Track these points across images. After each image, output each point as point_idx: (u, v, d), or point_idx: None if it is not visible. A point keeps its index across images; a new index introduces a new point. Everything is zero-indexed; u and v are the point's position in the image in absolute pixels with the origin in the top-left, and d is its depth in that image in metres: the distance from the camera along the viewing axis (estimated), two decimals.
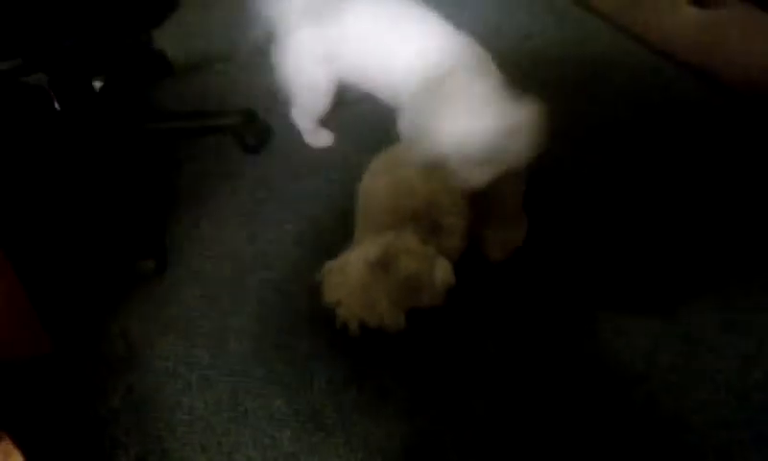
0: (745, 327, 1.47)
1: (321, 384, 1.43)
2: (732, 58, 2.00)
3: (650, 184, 1.76)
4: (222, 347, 1.51)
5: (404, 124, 1.57)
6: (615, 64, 2.03)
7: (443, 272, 1.37)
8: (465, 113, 1.38)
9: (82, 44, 1.54)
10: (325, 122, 1.88)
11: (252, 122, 1.88)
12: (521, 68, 2.01)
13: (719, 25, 2.09)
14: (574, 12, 2.18)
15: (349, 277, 1.37)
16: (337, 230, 1.67)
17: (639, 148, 1.84)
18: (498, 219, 1.56)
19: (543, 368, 1.44)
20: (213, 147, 1.90)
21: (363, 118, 1.93)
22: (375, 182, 1.50)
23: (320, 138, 1.89)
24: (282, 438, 1.35)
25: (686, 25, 2.11)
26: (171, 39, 1.83)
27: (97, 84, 1.82)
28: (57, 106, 1.73)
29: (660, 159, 1.81)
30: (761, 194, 1.72)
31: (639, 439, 1.32)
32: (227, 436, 1.36)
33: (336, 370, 1.45)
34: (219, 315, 1.56)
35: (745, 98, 1.90)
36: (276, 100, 1.86)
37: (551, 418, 1.36)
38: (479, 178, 1.41)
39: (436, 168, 1.41)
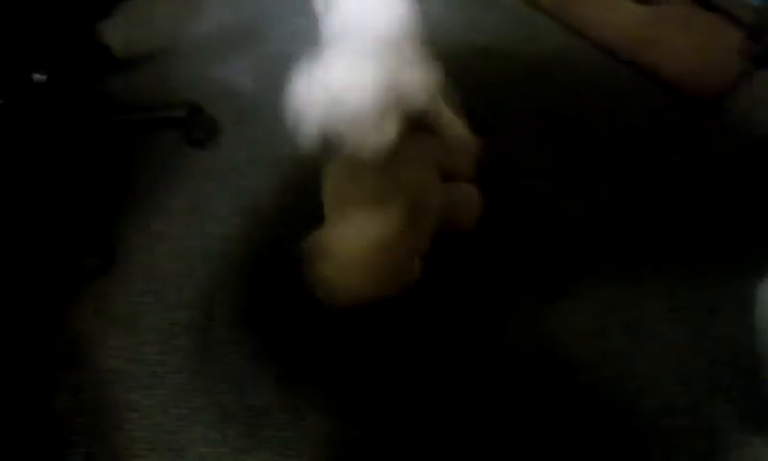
0: (688, 315, 1.53)
1: (269, 380, 1.44)
2: (671, 53, 2.05)
3: (595, 177, 1.80)
4: (170, 342, 1.52)
5: None
6: (561, 61, 2.06)
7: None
8: (342, 70, 1.35)
9: (24, 36, 1.51)
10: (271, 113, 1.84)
11: (198, 115, 1.86)
12: (465, 63, 2.04)
13: (659, 21, 2.14)
14: (521, 9, 2.20)
15: (347, 249, 1.40)
16: (284, 225, 1.69)
17: (584, 142, 1.87)
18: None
19: (490, 356, 1.48)
20: (159, 141, 1.87)
21: None
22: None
23: None
24: (233, 434, 1.37)
25: (627, 21, 2.15)
26: (115, 31, 1.81)
27: (39, 77, 1.79)
28: None
29: (604, 152, 1.85)
30: (702, 185, 1.77)
31: (584, 425, 1.37)
32: (176, 434, 1.37)
33: (284, 366, 1.47)
34: (167, 311, 1.57)
35: (684, 93, 1.97)
36: (222, 92, 1.86)
37: (497, 406, 1.40)
38: (375, 140, 1.36)
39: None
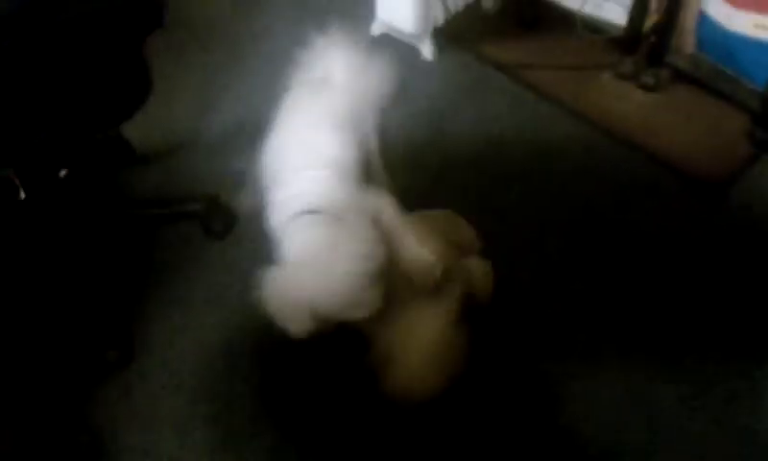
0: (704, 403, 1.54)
1: None
2: (678, 139, 2.10)
3: (603, 262, 1.83)
4: (189, 435, 1.52)
5: None
6: (568, 147, 2.11)
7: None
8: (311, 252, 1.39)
9: (53, 139, 1.56)
10: None
11: (216, 207, 1.91)
12: (474, 151, 2.10)
13: (665, 107, 2.19)
14: (527, 97, 2.26)
15: (419, 347, 1.45)
16: None
17: (591, 227, 1.91)
18: None
19: (509, 445, 1.49)
20: (179, 233, 1.91)
21: None
22: None
23: None
24: None
25: (634, 108, 2.21)
26: (136, 127, 1.86)
27: (62, 173, 1.84)
28: (22, 195, 1.74)
29: (612, 238, 1.88)
30: (710, 271, 1.80)
31: None
32: None
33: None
34: (186, 403, 1.57)
35: (690, 178, 2.00)
36: (240, 185, 1.90)
37: None
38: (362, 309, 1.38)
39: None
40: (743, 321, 1.69)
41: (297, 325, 1.36)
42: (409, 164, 2.02)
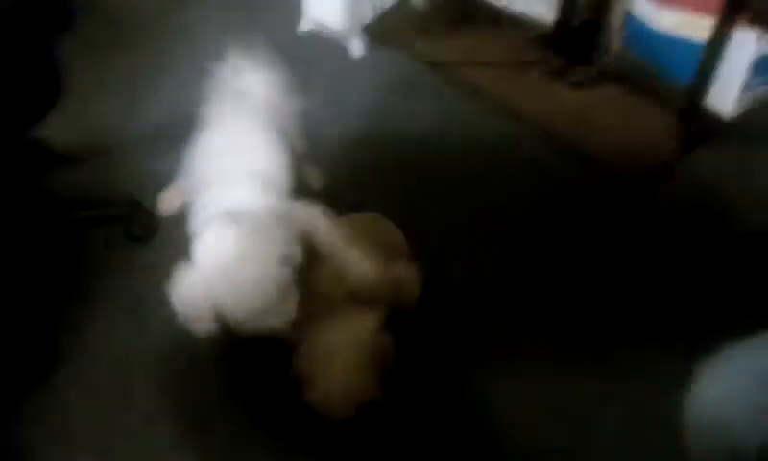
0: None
1: None
2: (604, 135, 2.12)
3: (532, 261, 1.84)
4: (108, 452, 1.48)
5: None
6: (498, 146, 2.11)
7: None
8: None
9: None
10: None
11: (139, 211, 1.86)
12: (402, 152, 2.09)
13: (591, 105, 2.21)
14: (457, 95, 2.26)
15: (341, 358, 1.43)
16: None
17: (520, 226, 1.92)
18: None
19: (436, 447, 1.48)
20: (100, 237, 1.86)
21: None
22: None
23: None
24: None
25: (562, 106, 2.22)
26: (57, 128, 1.79)
27: None
28: None
29: (541, 236, 1.89)
30: (636, 267, 1.81)
31: None
32: None
33: None
34: (105, 416, 1.53)
35: (617, 174, 2.02)
36: (163, 188, 1.86)
37: None
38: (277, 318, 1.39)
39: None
40: (669, 315, 1.71)
41: (200, 324, 1.37)
42: (338, 164, 2.00)
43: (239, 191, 1.49)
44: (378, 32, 2.43)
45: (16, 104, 1.52)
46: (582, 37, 2.23)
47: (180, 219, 1.85)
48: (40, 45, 1.52)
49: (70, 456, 1.47)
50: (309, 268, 1.46)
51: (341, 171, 1.98)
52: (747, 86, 2.10)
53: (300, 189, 1.62)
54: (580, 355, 1.65)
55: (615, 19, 2.20)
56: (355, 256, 1.49)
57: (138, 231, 1.84)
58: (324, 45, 2.36)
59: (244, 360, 1.60)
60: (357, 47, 2.38)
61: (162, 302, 1.69)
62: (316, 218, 1.49)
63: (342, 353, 1.44)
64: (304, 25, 2.45)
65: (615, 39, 2.23)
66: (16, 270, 1.79)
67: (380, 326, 1.48)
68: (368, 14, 2.41)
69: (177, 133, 1.65)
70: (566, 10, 2.25)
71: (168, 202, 1.86)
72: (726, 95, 2.11)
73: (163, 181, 1.87)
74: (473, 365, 1.63)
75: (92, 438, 1.50)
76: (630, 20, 2.22)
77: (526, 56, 2.34)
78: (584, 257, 1.84)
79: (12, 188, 1.81)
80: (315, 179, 1.87)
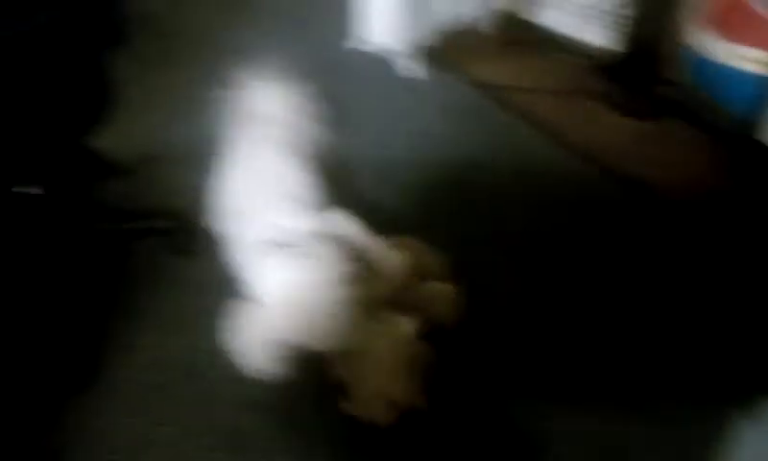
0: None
1: None
2: (658, 165, 2.08)
3: (583, 294, 1.80)
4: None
5: None
6: (546, 174, 2.10)
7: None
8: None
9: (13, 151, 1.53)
10: None
11: (183, 225, 1.87)
12: (450, 174, 2.07)
13: (648, 135, 2.17)
14: (509, 120, 2.24)
15: (380, 364, 1.44)
16: None
17: (572, 259, 1.88)
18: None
19: None
20: (145, 250, 1.88)
21: None
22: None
23: None
24: None
25: (618, 135, 2.19)
26: (111, 139, 1.82)
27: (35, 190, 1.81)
28: None
29: (591, 271, 1.86)
30: (692, 305, 1.77)
31: None
32: None
33: None
34: (144, 427, 1.54)
35: (674, 203, 1.99)
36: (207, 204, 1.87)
37: None
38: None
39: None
40: (718, 359, 1.66)
41: (267, 364, 1.40)
42: (382, 184, 2.00)
43: (280, 216, 1.50)
44: (434, 53, 2.43)
45: (68, 114, 1.55)
46: (639, 67, 2.20)
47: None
48: (91, 58, 1.54)
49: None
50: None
51: (384, 189, 1.98)
52: None
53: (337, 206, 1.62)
54: (626, 395, 1.61)
55: (673, 50, 2.17)
56: (390, 254, 1.51)
57: (182, 245, 1.85)
58: (373, 64, 2.36)
59: (285, 372, 1.57)
60: (411, 67, 2.37)
61: (205, 315, 1.72)
62: (348, 227, 1.50)
63: (380, 359, 1.44)
64: (355, 43, 2.45)
65: (672, 70, 2.20)
66: (63, 277, 1.82)
67: (418, 332, 1.47)
68: (424, 35, 2.39)
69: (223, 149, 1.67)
70: (625, 39, 2.22)
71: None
72: None
73: (206, 197, 1.88)
74: (515, 395, 1.60)
75: (130, 448, 1.50)
76: (687, 51, 2.18)
77: (583, 83, 2.32)
78: (633, 291, 1.80)
79: (64, 196, 1.85)
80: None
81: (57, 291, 1.79)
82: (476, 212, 1.98)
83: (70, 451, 1.50)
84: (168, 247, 1.86)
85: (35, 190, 1.79)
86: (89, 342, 1.69)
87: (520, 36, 2.50)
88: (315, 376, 1.50)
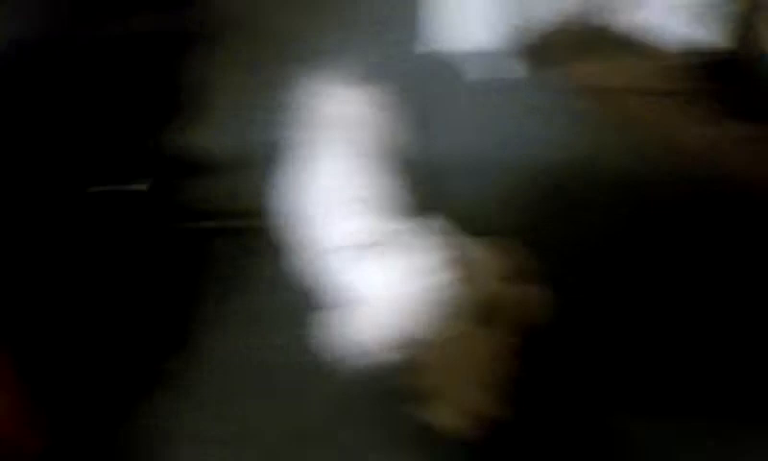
0: None
1: None
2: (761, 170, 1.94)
3: (682, 306, 1.69)
4: (237, 455, 1.52)
5: None
6: (645, 180, 1.98)
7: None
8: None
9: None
10: None
11: (259, 226, 1.86)
12: (540, 179, 1.99)
13: (753, 139, 2.03)
14: (608, 123, 2.14)
15: (472, 365, 1.43)
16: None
17: (671, 269, 1.77)
18: None
19: None
20: (224, 250, 1.90)
21: None
22: None
23: None
24: None
25: (727, 141, 2.05)
26: (190, 141, 1.87)
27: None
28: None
29: (692, 283, 1.74)
30: None
31: None
32: None
33: None
34: (208, 423, 1.56)
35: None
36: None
37: None
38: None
39: None
40: None
41: (347, 362, 1.46)
42: (468, 187, 1.95)
43: (364, 218, 1.52)
44: (529, 51, 2.35)
45: (151, 113, 1.60)
46: (745, 67, 2.05)
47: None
48: (176, 58, 1.59)
49: (166, 451, 1.52)
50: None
51: (471, 193, 1.92)
52: None
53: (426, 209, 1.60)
54: (727, 406, 1.50)
55: None
56: (484, 255, 1.50)
57: (258, 245, 1.85)
58: (449, 66, 2.31)
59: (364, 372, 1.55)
60: (504, 66, 2.30)
61: (279, 314, 1.74)
62: (445, 231, 1.52)
63: (469, 368, 1.42)
64: (428, 44, 2.40)
65: None
66: (139, 275, 1.88)
67: (503, 343, 1.44)
68: (520, 32, 2.31)
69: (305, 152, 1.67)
70: (742, 37, 2.08)
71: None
72: None
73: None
74: (611, 411, 1.52)
75: (193, 444, 1.53)
76: None
77: (685, 84, 2.18)
78: (731, 301, 1.68)
79: (143, 195, 1.92)
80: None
81: (132, 289, 1.84)
82: (569, 216, 1.90)
83: (134, 445, 1.54)
84: (244, 247, 1.87)
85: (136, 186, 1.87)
86: (160, 339, 1.73)
87: (617, 35, 2.38)
88: (397, 380, 1.48)
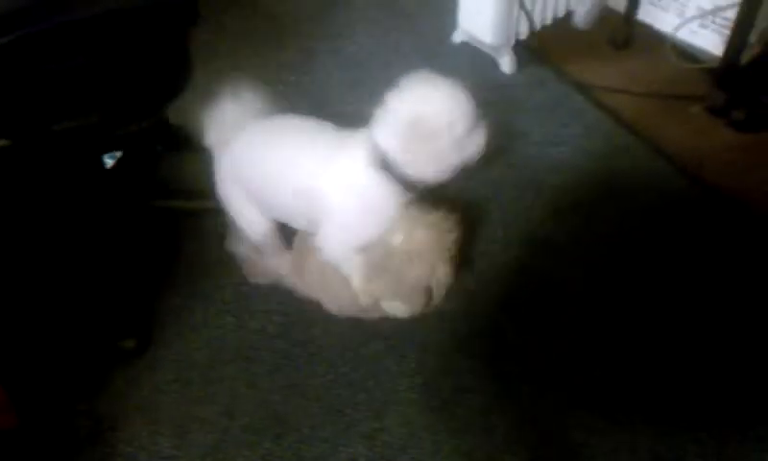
0: None
1: None
2: (759, 179, 1.93)
3: (666, 313, 1.68)
4: (185, 437, 1.50)
5: None
6: (639, 182, 1.97)
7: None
8: None
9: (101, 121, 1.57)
10: None
11: None
12: (539, 176, 1.99)
13: (753, 148, 2.02)
14: (605, 122, 2.12)
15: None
16: (318, 324, 1.67)
17: (656, 274, 1.76)
18: None
19: None
20: (202, 229, 1.88)
21: None
22: None
23: (257, 271, 1.77)
24: None
25: (720, 147, 2.04)
26: (181, 116, 1.84)
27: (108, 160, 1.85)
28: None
29: (676, 289, 1.73)
30: None
31: None
32: None
33: None
34: (188, 403, 1.55)
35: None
36: None
37: None
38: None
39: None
40: None
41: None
42: (466, 179, 1.93)
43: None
44: (532, 48, 2.33)
45: (147, 87, 1.58)
46: (749, 76, 2.04)
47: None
48: (173, 33, 1.57)
49: (149, 436, 1.50)
50: None
51: (467, 184, 1.92)
52: None
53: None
54: (682, 423, 1.49)
55: None
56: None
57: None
58: (475, 58, 2.29)
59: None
60: (507, 62, 2.28)
61: (264, 298, 1.72)
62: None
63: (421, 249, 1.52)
64: (458, 37, 2.39)
65: None
66: (122, 250, 1.86)
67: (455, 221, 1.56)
68: (523, 30, 2.30)
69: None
70: (737, 43, 2.06)
71: None
72: None
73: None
74: (574, 405, 1.52)
75: (173, 423, 1.52)
76: None
77: (687, 88, 2.17)
78: (723, 310, 1.67)
79: (135, 171, 1.90)
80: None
81: (111, 262, 1.83)
82: (557, 219, 1.88)
83: (112, 420, 1.53)
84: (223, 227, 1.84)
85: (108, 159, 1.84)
86: (145, 313, 1.72)
87: (626, 35, 2.37)
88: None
